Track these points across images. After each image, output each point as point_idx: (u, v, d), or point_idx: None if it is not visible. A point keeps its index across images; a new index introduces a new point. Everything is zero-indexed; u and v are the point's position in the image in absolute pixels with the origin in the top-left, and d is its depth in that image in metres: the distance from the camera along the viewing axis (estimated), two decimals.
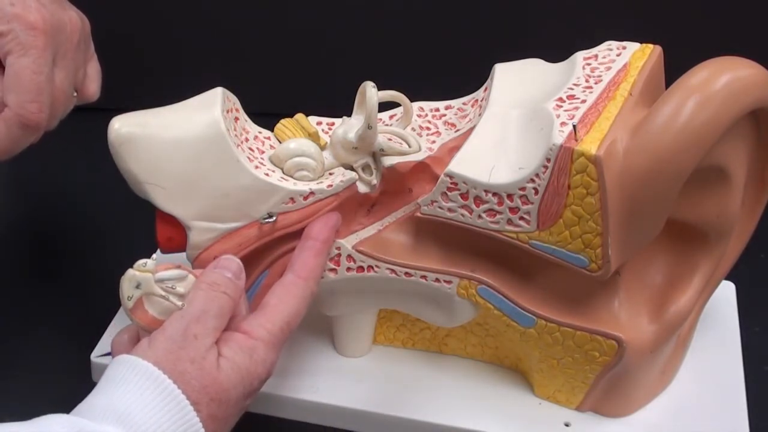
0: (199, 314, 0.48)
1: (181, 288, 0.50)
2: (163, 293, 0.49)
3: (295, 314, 0.51)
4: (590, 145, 0.49)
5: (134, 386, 0.45)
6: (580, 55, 0.57)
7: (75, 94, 0.57)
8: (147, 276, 0.49)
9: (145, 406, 0.44)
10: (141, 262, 0.50)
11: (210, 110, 0.54)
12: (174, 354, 0.46)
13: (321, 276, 0.54)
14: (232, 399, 0.47)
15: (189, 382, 0.45)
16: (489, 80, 0.58)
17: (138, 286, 0.49)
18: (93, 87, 0.59)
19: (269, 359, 0.49)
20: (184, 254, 0.56)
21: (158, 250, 0.50)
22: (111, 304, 0.65)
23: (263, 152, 0.57)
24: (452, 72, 0.76)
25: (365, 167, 0.56)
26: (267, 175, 0.54)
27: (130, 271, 0.50)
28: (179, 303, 0.49)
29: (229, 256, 0.52)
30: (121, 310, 0.65)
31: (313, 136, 0.57)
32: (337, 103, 0.59)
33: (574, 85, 0.54)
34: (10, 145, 0.53)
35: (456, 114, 0.59)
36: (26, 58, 0.52)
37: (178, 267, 0.51)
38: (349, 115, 0.58)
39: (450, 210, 0.54)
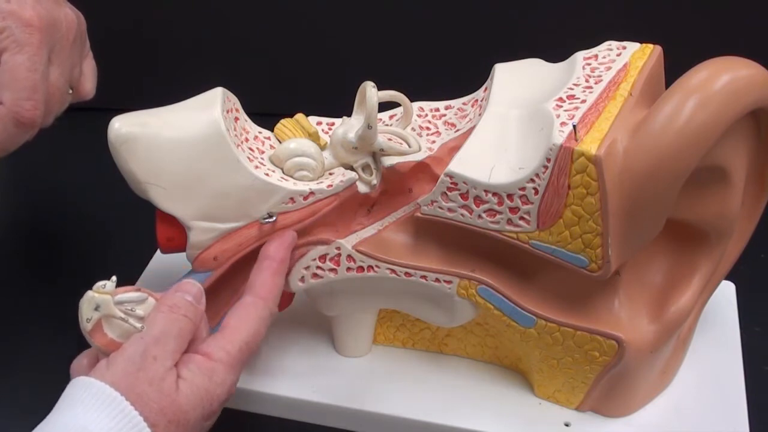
0: (158, 336, 0.48)
1: (140, 311, 0.50)
2: (123, 315, 0.49)
3: (255, 335, 0.51)
4: (590, 145, 0.49)
5: (91, 407, 0.44)
6: (580, 55, 0.57)
7: (70, 91, 0.57)
8: (106, 298, 0.49)
9: (102, 428, 0.44)
10: (100, 283, 0.49)
11: (210, 110, 0.54)
12: (132, 375, 0.46)
13: (280, 295, 0.54)
14: (191, 421, 0.47)
15: (147, 404, 0.45)
16: (489, 80, 0.58)
17: (97, 308, 0.49)
18: (88, 84, 0.59)
19: (229, 380, 0.49)
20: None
21: (113, 277, 0.50)
22: None
23: (263, 152, 0.57)
24: (452, 72, 0.76)
25: (365, 167, 0.56)
26: (267, 175, 0.54)
27: (89, 293, 0.49)
28: (138, 325, 0.49)
29: (190, 280, 0.52)
30: None
31: (313, 136, 0.57)
32: (337, 103, 0.59)
33: (574, 85, 0.54)
34: (4, 142, 0.53)
35: (456, 114, 0.59)
36: (21, 56, 0.52)
37: (138, 290, 0.50)
38: (349, 115, 0.58)
39: (450, 210, 0.54)
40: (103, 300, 0.49)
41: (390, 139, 0.56)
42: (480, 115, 0.56)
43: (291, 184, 0.55)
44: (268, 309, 0.52)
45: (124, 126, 0.53)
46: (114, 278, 0.50)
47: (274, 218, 0.54)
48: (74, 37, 0.55)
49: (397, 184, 0.56)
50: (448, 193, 0.53)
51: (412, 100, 0.58)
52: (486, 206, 0.53)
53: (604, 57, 0.56)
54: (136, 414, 0.44)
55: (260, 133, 0.58)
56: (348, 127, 0.56)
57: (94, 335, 0.49)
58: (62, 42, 0.54)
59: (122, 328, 0.49)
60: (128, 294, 0.50)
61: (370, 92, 0.53)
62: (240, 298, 0.53)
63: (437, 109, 0.60)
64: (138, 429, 0.44)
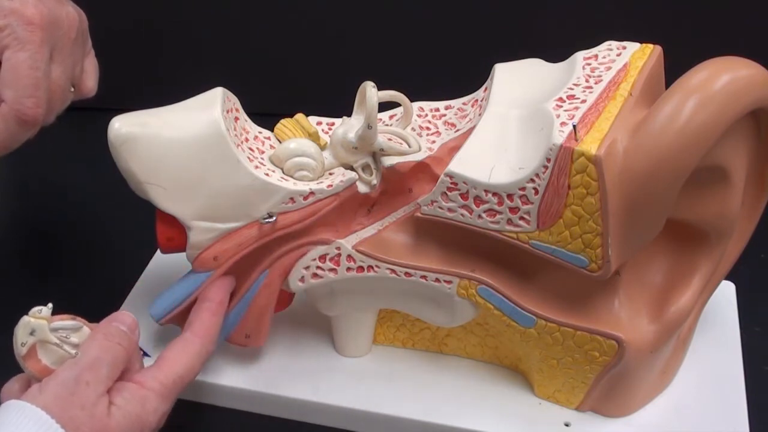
0: (92, 362, 0.48)
1: (75, 338, 0.50)
2: (57, 341, 0.49)
3: (189, 370, 0.52)
4: (590, 145, 0.49)
5: (23, 430, 0.44)
6: (580, 55, 0.57)
7: (72, 89, 0.57)
8: (42, 323, 0.49)
9: None
10: (36, 309, 0.50)
11: (210, 110, 0.54)
12: (65, 400, 0.46)
13: (217, 334, 0.55)
14: None
15: (78, 428, 0.45)
16: (489, 80, 0.58)
17: (32, 333, 0.49)
18: (90, 82, 0.59)
19: (161, 409, 0.50)
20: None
21: (49, 304, 0.50)
22: (111, 304, 0.65)
23: (263, 152, 0.57)
24: (452, 72, 0.76)
25: (365, 167, 0.56)
26: (267, 175, 0.54)
27: (25, 318, 0.49)
28: (73, 352, 0.49)
29: (124, 312, 0.52)
30: (122, 310, 0.65)
31: (313, 136, 0.57)
32: (337, 103, 0.59)
33: (574, 85, 0.54)
34: (6, 141, 0.53)
35: (456, 114, 0.59)
36: (23, 53, 0.52)
37: (74, 318, 0.51)
38: (349, 115, 0.58)
39: (450, 210, 0.54)
40: (39, 325, 0.49)
41: (390, 139, 0.56)
42: (480, 115, 0.56)
43: (291, 184, 0.54)
44: (205, 347, 0.54)
45: (124, 126, 0.53)
46: (50, 305, 0.50)
47: (274, 218, 0.54)
48: (76, 35, 0.55)
49: (397, 184, 0.56)
50: (448, 193, 0.53)
51: (412, 100, 0.58)
52: (486, 206, 0.53)
53: (604, 57, 0.56)
54: None
55: (260, 133, 0.58)
56: (348, 127, 0.56)
57: (27, 360, 0.49)
58: (64, 40, 0.54)
59: (57, 354, 0.49)
60: (64, 321, 0.50)
61: (370, 92, 0.53)
62: (183, 335, 0.54)
63: (437, 109, 0.60)
64: None
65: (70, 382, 0.47)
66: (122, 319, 0.51)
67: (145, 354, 0.61)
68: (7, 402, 0.47)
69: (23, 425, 0.45)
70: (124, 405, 0.48)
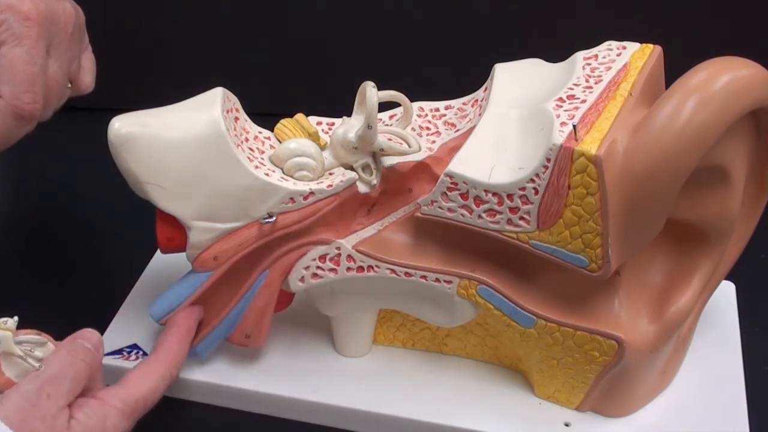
0: (54, 376, 0.48)
1: (39, 352, 0.50)
2: (21, 354, 0.49)
3: (152, 392, 0.52)
4: (590, 145, 0.49)
5: None
6: (580, 55, 0.57)
7: (69, 85, 0.57)
8: (7, 334, 0.49)
9: None
10: (2, 320, 0.50)
11: (210, 110, 0.54)
12: (25, 411, 0.46)
13: (183, 361, 0.56)
14: None
15: None
16: (489, 80, 0.58)
17: None
18: (87, 78, 0.59)
19: (121, 427, 0.50)
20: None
21: (15, 317, 0.50)
22: (111, 303, 0.65)
23: (263, 152, 0.57)
24: (452, 72, 0.76)
25: (365, 167, 0.56)
26: (267, 175, 0.54)
27: None
28: (36, 365, 0.49)
29: (90, 330, 0.52)
30: (121, 311, 0.65)
31: (313, 136, 0.57)
32: (337, 103, 0.59)
33: (574, 85, 0.54)
34: (3, 136, 0.53)
35: (456, 114, 0.59)
36: (20, 49, 0.52)
37: (39, 333, 0.51)
38: (349, 115, 0.58)
39: (450, 210, 0.54)
40: (4, 336, 0.49)
41: (390, 139, 0.56)
42: (480, 115, 0.56)
43: (291, 184, 0.54)
44: (169, 372, 0.54)
45: (124, 126, 0.53)
46: (15, 318, 0.50)
47: (274, 218, 0.54)
48: (73, 31, 0.55)
49: (397, 184, 0.56)
50: (448, 193, 0.53)
51: (412, 100, 0.58)
52: (486, 206, 0.53)
53: (604, 57, 0.56)
54: None
55: (260, 133, 0.58)
56: (348, 127, 0.56)
57: None
58: (61, 35, 0.54)
59: (20, 367, 0.49)
60: (29, 336, 0.50)
61: (370, 92, 0.53)
62: (149, 358, 0.55)
63: (437, 109, 0.60)
64: None
65: (32, 394, 0.47)
66: (87, 336, 0.52)
67: (144, 353, 0.61)
68: None
69: None
70: (85, 420, 0.48)
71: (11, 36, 0.51)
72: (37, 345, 0.50)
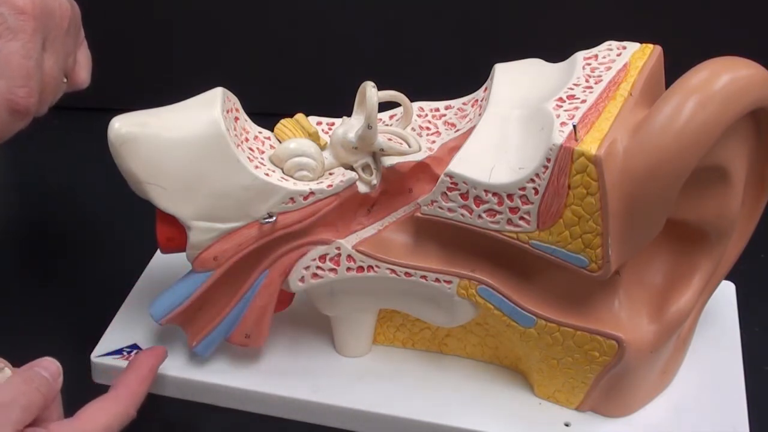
0: (5, 403, 0.47)
1: None
2: None
3: (107, 429, 0.51)
4: (590, 145, 0.49)
5: None
6: (580, 55, 0.57)
7: (65, 80, 0.57)
8: None
9: None
10: None
11: (210, 110, 0.54)
12: None
13: (141, 401, 0.54)
14: None
15: None
16: (489, 80, 0.58)
17: None
18: (83, 74, 0.59)
19: None
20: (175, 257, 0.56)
21: None
22: (111, 304, 0.65)
23: (263, 152, 0.57)
24: (452, 72, 0.76)
25: (365, 167, 0.56)
26: (267, 175, 0.54)
27: None
28: None
29: (50, 359, 0.51)
30: (121, 311, 0.65)
31: (313, 136, 0.57)
32: (337, 103, 0.59)
33: (574, 85, 0.54)
34: None
35: (456, 114, 0.59)
36: (15, 43, 0.51)
37: None
38: (349, 115, 0.58)
39: (450, 210, 0.54)
40: None
41: (390, 139, 0.56)
42: (480, 115, 0.56)
43: (291, 184, 0.54)
44: (126, 410, 0.52)
45: (124, 126, 0.53)
46: None
47: (274, 218, 0.54)
48: (68, 25, 0.55)
49: (397, 184, 0.56)
50: (448, 193, 0.53)
51: (412, 100, 0.58)
52: (486, 206, 0.53)
53: (604, 57, 0.56)
54: None
55: (260, 133, 0.58)
56: (348, 127, 0.56)
57: None
58: (56, 30, 0.54)
59: None
60: None
61: (370, 92, 0.53)
62: (107, 395, 0.53)
63: (437, 109, 0.60)
64: None
65: None
66: (45, 365, 0.50)
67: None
68: None
69: None
70: None
71: (7, 30, 0.51)
72: None
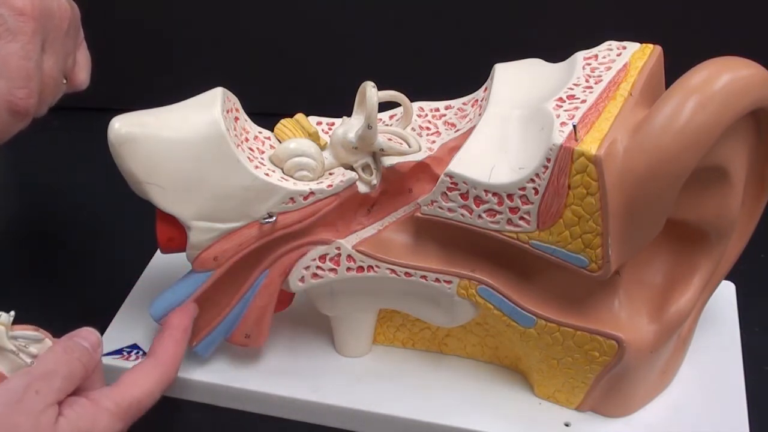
0: (46, 372, 0.47)
1: (34, 349, 0.50)
2: (14, 348, 0.49)
3: (148, 395, 0.51)
4: (590, 145, 0.49)
5: None
6: (580, 55, 0.57)
7: (64, 81, 0.57)
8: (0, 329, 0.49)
9: None
10: None
11: (210, 110, 0.54)
12: (10, 406, 0.45)
13: (180, 362, 0.55)
14: None
15: None
16: (489, 80, 0.58)
17: None
18: (83, 74, 0.59)
19: (113, 429, 0.49)
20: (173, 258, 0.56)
21: (12, 312, 0.50)
22: (111, 303, 0.65)
23: (263, 152, 0.57)
24: (452, 72, 0.76)
25: (365, 167, 0.56)
26: (267, 175, 0.54)
27: None
28: (29, 361, 0.49)
29: (89, 329, 0.52)
30: (121, 311, 0.65)
31: (313, 136, 0.57)
32: (337, 103, 0.59)
33: (574, 85, 0.54)
34: None
35: (456, 114, 0.59)
36: (15, 44, 0.51)
37: (37, 330, 0.50)
38: (349, 115, 0.58)
39: (450, 210, 0.54)
40: None
41: (390, 139, 0.56)
42: (480, 115, 0.56)
43: (291, 184, 0.55)
44: (166, 374, 0.53)
45: (124, 126, 0.53)
46: (12, 312, 0.50)
47: (274, 218, 0.54)
48: (68, 27, 0.55)
49: (397, 184, 0.56)
50: (448, 193, 0.53)
51: (412, 100, 0.58)
52: (486, 206, 0.53)
53: (604, 57, 0.56)
54: None
55: (260, 133, 0.58)
56: (348, 127, 0.56)
57: None
58: (56, 31, 0.54)
59: (13, 362, 0.49)
60: (25, 331, 0.50)
61: (370, 92, 0.53)
62: (145, 360, 0.54)
63: (437, 109, 0.60)
64: None
65: (19, 389, 0.46)
66: (85, 335, 0.51)
67: (144, 353, 0.61)
68: None
69: None
70: (75, 419, 0.47)
71: (6, 31, 0.51)
72: (33, 341, 0.50)
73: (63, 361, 0.49)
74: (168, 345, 0.55)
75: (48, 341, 0.51)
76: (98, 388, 0.51)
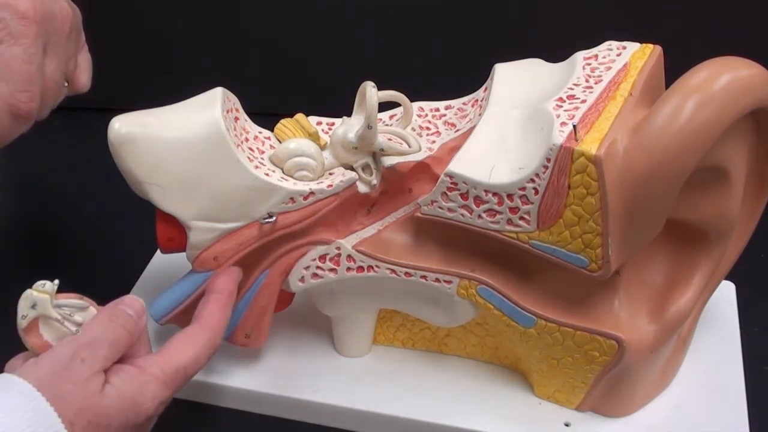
0: (91, 340, 0.47)
1: (79, 317, 0.50)
2: (59, 317, 0.49)
3: (195, 361, 0.51)
4: (590, 145, 0.49)
5: (6, 403, 0.44)
6: (580, 55, 0.57)
7: (66, 84, 0.57)
8: (44, 297, 0.49)
9: (14, 423, 0.43)
10: (40, 282, 0.49)
11: (210, 110, 0.54)
12: (57, 374, 0.45)
13: (225, 327, 0.54)
14: (113, 426, 0.46)
15: (67, 403, 0.45)
16: (489, 80, 0.58)
17: (33, 306, 0.49)
18: (84, 77, 0.59)
19: (160, 396, 0.48)
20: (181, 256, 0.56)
21: (56, 280, 0.50)
22: None
23: (263, 152, 0.57)
24: (452, 72, 0.76)
25: (365, 167, 0.56)
26: (267, 175, 0.54)
27: (27, 291, 0.49)
28: (74, 329, 0.49)
29: (133, 296, 0.52)
30: None
31: (313, 136, 0.57)
32: (337, 103, 0.59)
33: (574, 85, 0.54)
34: (0, 135, 0.53)
35: (456, 114, 0.59)
36: (17, 48, 0.52)
37: (81, 298, 0.50)
38: (349, 115, 0.58)
39: (450, 210, 0.54)
40: (40, 299, 0.49)
41: (390, 139, 0.56)
42: (480, 115, 0.56)
43: (291, 184, 0.54)
44: (212, 340, 0.52)
45: (124, 126, 0.53)
46: (56, 281, 0.50)
47: (274, 218, 0.54)
48: (69, 30, 0.55)
49: (397, 184, 0.56)
50: (448, 193, 0.53)
51: (412, 100, 0.58)
52: (486, 206, 0.53)
53: (604, 57, 0.56)
54: (51, 410, 0.44)
55: (260, 133, 0.58)
56: (348, 127, 0.56)
57: (28, 333, 0.49)
58: (58, 34, 0.54)
59: (59, 331, 0.49)
60: (70, 299, 0.50)
61: (370, 92, 0.53)
62: (191, 326, 0.53)
63: (437, 109, 0.60)
64: (50, 425, 0.44)
65: (66, 357, 0.46)
66: (129, 302, 0.51)
67: None
68: None
69: (6, 398, 0.44)
70: (121, 386, 0.47)
71: (8, 35, 0.51)
72: (78, 309, 0.50)
73: (108, 329, 0.48)
74: (213, 309, 0.54)
75: (92, 309, 0.50)
76: (144, 355, 0.50)
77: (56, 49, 0.54)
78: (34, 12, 0.52)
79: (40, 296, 0.49)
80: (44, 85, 0.54)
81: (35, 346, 0.49)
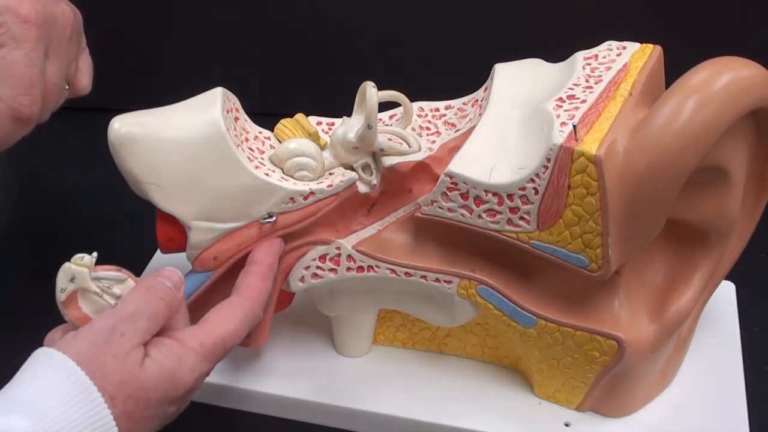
0: (130, 314, 0.47)
1: (117, 290, 0.50)
2: (98, 290, 0.49)
3: (234, 333, 0.50)
4: (590, 145, 0.49)
5: (46, 377, 0.44)
6: (580, 55, 0.57)
7: (67, 87, 0.57)
8: (83, 270, 0.49)
9: (54, 397, 0.43)
10: (78, 255, 0.49)
11: (210, 110, 0.54)
12: (97, 348, 0.45)
13: (265, 300, 0.53)
14: (152, 399, 0.46)
15: (107, 376, 0.45)
16: (489, 80, 0.58)
17: (72, 279, 0.49)
18: (85, 80, 0.59)
19: (199, 370, 0.48)
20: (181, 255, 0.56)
21: (94, 253, 0.49)
22: None
23: (263, 152, 0.57)
24: (452, 72, 0.76)
25: (365, 167, 0.56)
26: (267, 175, 0.54)
27: (66, 264, 0.49)
28: (113, 302, 0.49)
29: (171, 268, 0.51)
30: None
31: (313, 136, 0.57)
32: (337, 103, 0.59)
33: (574, 85, 0.54)
34: (2, 138, 0.53)
35: (456, 114, 0.59)
36: (18, 51, 0.52)
37: (119, 270, 0.50)
38: (349, 115, 0.58)
39: (450, 210, 0.54)
40: (79, 272, 0.49)
41: (390, 139, 0.56)
42: (480, 115, 0.56)
43: (291, 184, 0.54)
44: (252, 311, 0.52)
45: (124, 126, 0.53)
46: (95, 254, 0.49)
47: (274, 218, 0.54)
48: (71, 33, 0.55)
49: (397, 184, 0.56)
50: (448, 193, 0.53)
51: (412, 100, 0.58)
52: (486, 206, 0.53)
53: (604, 57, 0.56)
54: (91, 384, 0.44)
55: (260, 133, 0.58)
56: (348, 127, 0.56)
57: (67, 306, 0.49)
58: (59, 38, 0.54)
59: (97, 304, 0.49)
60: (108, 272, 0.50)
61: (370, 92, 0.53)
62: (230, 298, 0.52)
63: (437, 109, 0.60)
64: (91, 399, 0.44)
65: (105, 330, 0.46)
66: (168, 275, 0.51)
67: None
68: (38, 350, 0.46)
69: (47, 372, 0.44)
70: (160, 359, 0.47)
71: (10, 39, 0.51)
72: (116, 282, 0.50)
73: (147, 302, 0.48)
74: (253, 281, 0.53)
75: (131, 281, 0.50)
76: (183, 328, 0.50)
77: (57, 52, 0.55)
78: (36, 16, 0.52)
79: (79, 269, 0.49)
80: (45, 89, 0.54)
81: (74, 318, 0.49)
